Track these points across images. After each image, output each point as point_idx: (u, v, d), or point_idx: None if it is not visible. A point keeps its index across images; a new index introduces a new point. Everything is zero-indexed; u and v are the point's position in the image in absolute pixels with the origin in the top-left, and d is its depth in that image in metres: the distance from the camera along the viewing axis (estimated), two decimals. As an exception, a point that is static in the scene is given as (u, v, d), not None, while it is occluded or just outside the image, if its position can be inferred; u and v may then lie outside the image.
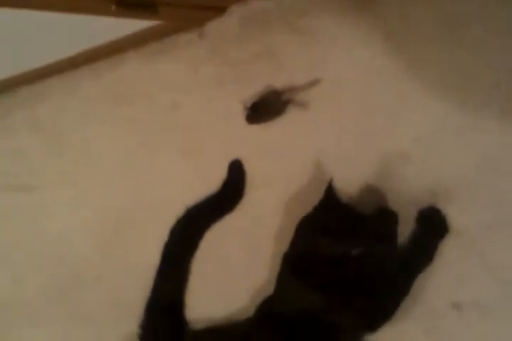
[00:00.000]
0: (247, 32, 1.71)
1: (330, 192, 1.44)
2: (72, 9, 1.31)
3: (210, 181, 1.66)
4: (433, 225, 1.44)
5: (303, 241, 1.44)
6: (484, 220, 1.40)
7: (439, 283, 1.42)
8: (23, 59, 1.78)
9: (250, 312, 1.50)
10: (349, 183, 1.53)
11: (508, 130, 1.39)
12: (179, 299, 1.62)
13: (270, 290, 1.48)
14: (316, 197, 1.44)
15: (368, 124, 1.55)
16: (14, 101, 2.08)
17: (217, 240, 1.63)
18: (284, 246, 1.47)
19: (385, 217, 1.41)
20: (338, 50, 1.59)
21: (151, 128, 1.83)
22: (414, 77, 1.49)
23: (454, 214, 1.42)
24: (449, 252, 1.42)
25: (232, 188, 1.66)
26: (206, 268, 1.63)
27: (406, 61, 1.51)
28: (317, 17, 1.61)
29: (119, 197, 1.86)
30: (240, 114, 1.67)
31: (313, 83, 1.60)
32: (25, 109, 2.07)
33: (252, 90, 1.67)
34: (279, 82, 1.65)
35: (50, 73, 1.97)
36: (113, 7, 1.27)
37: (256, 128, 1.66)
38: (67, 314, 1.88)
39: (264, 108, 1.66)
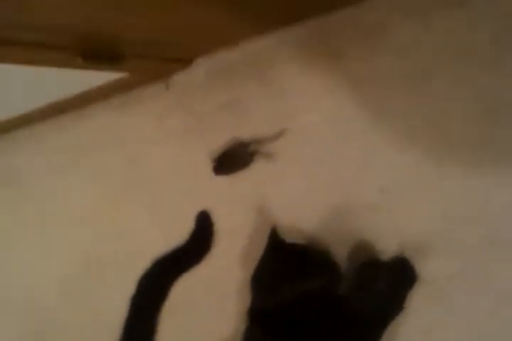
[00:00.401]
0: (214, 83, 1.72)
1: (273, 237, 1.45)
2: (38, 62, 1.31)
3: (177, 233, 1.63)
4: (402, 274, 1.44)
5: (261, 294, 1.43)
6: (451, 269, 1.40)
7: (408, 331, 1.42)
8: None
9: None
10: (317, 232, 1.53)
11: (472, 178, 1.41)
12: None
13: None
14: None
15: (334, 175, 1.55)
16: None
17: (184, 291, 1.61)
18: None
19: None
20: (304, 101, 1.60)
21: (117, 179, 1.82)
22: (381, 128, 1.51)
23: (421, 264, 1.42)
24: (417, 301, 1.41)
25: (200, 239, 1.64)
26: (174, 320, 1.60)
27: (372, 112, 1.52)
28: (283, 68, 1.63)
29: (85, 250, 1.84)
30: (206, 165, 1.67)
31: (279, 134, 1.60)
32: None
33: (218, 141, 1.67)
34: (245, 133, 1.65)
35: (16, 125, 1.96)
36: (79, 60, 1.27)
37: (223, 180, 1.66)
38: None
39: (231, 159, 1.66)
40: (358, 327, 1.36)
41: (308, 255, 1.42)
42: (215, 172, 1.68)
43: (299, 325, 1.33)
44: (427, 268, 1.41)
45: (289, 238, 1.47)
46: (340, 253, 1.47)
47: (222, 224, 1.63)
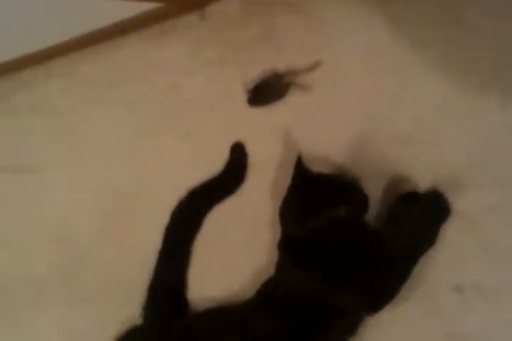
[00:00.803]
0: (249, 14, 1.71)
1: (299, 167, 1.46)
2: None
3: (212, 164, 1.66)
4: (435, 207, 1.44)
5: (290, 225, 1.45)
6: (486, 202, 1.40)
7: (440, 266, 1.42)
8: (25, 41, 1.78)
9: (251, 293, 1.51)
10: (353, 165, 1.53)
11: (509, 111, 1.40)
12: (181, 280, 1.63)
13: (271, 272, 1.48)
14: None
15: (369, 107, 1.55)
16: (16, 83, 2.08)
17: (218, 222, 1.64)
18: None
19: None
20: (339, 33, 1.59)
21: (152, 110, 1.83)
22: (416, 60, 1.50)
23: (455, 197, 1.42)
24: (450, 235, 1.42)
25: (234, 171, 1.66)
26: (207, 251, 1.63)
27: (407, 43, 1.51)
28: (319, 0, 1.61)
29: (120, 180, 1.86)
30: (241, 96, 1.67)
31: (315, 66, 1.60)
32: (26, 90, 2.06)
33: (253, 72, 1.67)
34: (280, 64, 1.64)
35: (52, 55, 1.97)
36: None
37: (258, 111, 1.67)
38: (70, 295, 1.88)
39: (266, 90, 1.66)
40: (387, 260, 1.38)
41: (334, 184, 1.43)
42: (249, 103, 1.68)
43: (328, 254, 1.36)
44: (461, 201, 1.42)
45: (320, 169, 1.49)
46: (374, 186, 1.47)
47: (256, 156, 1.65)
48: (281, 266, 1.47)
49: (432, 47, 1.48)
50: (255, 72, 1.67)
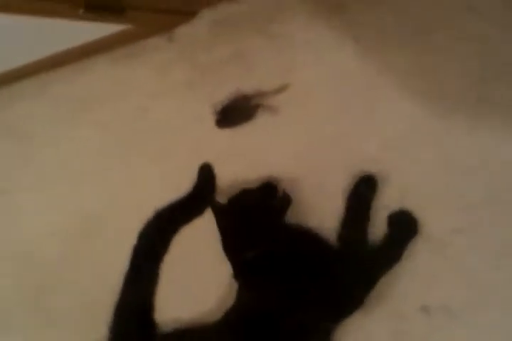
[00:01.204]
0: (217, 36, 1.71)
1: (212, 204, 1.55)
2: (40, 12, 1.30)
3: (180, 185, 1.65)
4: (403, 226, 1.46)
5: (231, 259, 1.50)
6: (453, 224, 1.42)
7: (408, 287, 1.43)
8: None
9: (219, 314, 1.50)
10: (320, 186, 1.55)
11: (475, 134, 1.41)
12: (148, 302, 1.61)
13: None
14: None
15: (337, 128, 1.56)
16: (-17, 104, 2.07)
17: (186, 244, 1.62)
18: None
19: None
20: (308, 55, 1.60)
21: (121, 132, 1.82)
22: (384, 82, 1.51)
23: (424, 218, 1.43)
24: (418, 256, 1.43)
25: (202, 191, 1.65)
26: (175, 271, 1.62)
27: (375, 66, 1.52)
28: (287, 22, 1.62)
29: (88, 201, 1.85)
30: (209, 118, 1.67)
31: (283, 88, 1.61)
32: (-6, 111, 2.06)
33: (221, 94, 1.67)
34: (249, 86, 1.65)
35: (20, 77, 1.96)
36: (81, 11, 1.26)
37: (226, 133, 1.67)
38: (36, 318, 1.86)
39: (234, 112, 1.66)
40: (346, 279, 1.39)
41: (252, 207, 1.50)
42: (217, 125, 1.68)
43: (279, 273, 1.40)
44: (428, 223, 1.43)
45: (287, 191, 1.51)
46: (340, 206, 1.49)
47: (224, 177, 1.64)
48: (240, 291, 1.48)
49: (399, 69, 1.49)
50: (224, 93, 1.67)
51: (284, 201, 1.51)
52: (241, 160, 1.64)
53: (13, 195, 2.00)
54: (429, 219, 1.43)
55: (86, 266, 1.81)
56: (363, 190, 1.50)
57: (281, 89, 1.61)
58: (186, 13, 1.72)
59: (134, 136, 1.80)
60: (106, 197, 1.83)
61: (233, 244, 1.49)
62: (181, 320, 1.58)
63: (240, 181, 1.59)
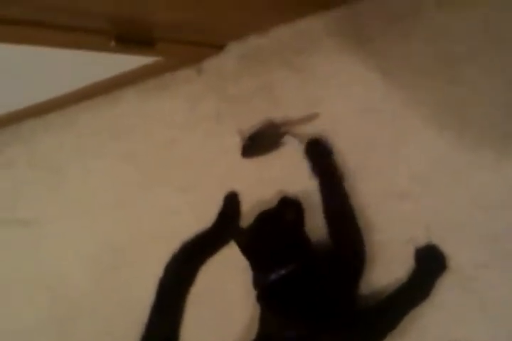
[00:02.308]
0: (245, 68, 1.73)
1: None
2: (71, 45, 1.32)
3: (207, 216, 1.66)
4: (430, 262, 1.45)
5: (255, 282, 1.49)
6: (479, 258, 1.40)
7: (435, 322, 1.41)
8: (24, 94, 1.79)
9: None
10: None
11: (502, 169, 1.40)
12: (174, 334, 1.61)
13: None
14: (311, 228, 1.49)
15: (364, 161, 1.55)
16: (14, 136, 2.09)
17: (212, 273, 1.62)
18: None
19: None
20: (334, 87, 1.60)
21: (149, 163, 1.84)
22: (411, 115, 1.50)
23: (449, 253, 1.42)
24: (444, 291, 1.41)
25: (227, 220, 1.66)
26: (202, 302, 1.62)
27: (403, 98, 1.52)
28: (314, 54, 1.63)
29: (115, 232, 1.86)
30: (236, 149, 1.68)
31: (311, 117, 1.61)
32: (24, 143, 2.08)
33: (249, 126, 1.68)
34: (276, 117, 1.66)
35: (51, 108, 1.98)
36: (112, 43, 1.28)
37: (253, 165, 1.67)
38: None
39: (261, 140, 1.67)
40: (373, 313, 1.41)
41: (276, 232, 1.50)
42: (244, 152, 1.68)
43: (302, 298, 1.39)
44: (454, 258, 1.41)
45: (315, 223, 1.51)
46: (367, 240, 1.48)
47: (251, 207, 1.64)
48: (263, 317, 1.47)
49: (426, 102, 1.49)
50: (250, 125, 1.68)
51: (300, 212, 1.53)
52: (268, 190, 1.63)
53: (39, 226, 2.02)
54: (454, 253, 1.42)
55: (112, 297, 1.81)
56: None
57: (308, 118, 1.61)
58: (215, 46, 1.73)
59: (162, 167, 1.81)
60: (133, 228, 1.84)
61: (259, 266, 1.48)
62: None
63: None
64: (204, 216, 1.66)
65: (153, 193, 1.82)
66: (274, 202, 1.56)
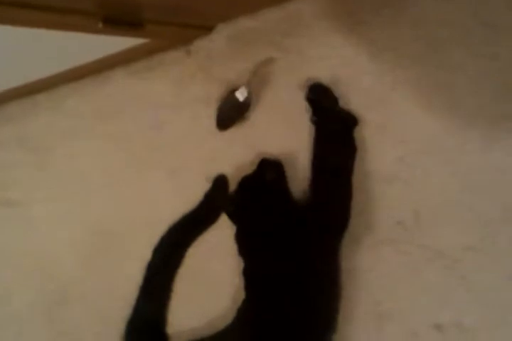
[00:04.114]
0: (234, 50, 1.72)
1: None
2: (59, 26, 1.31)
3: (194, 199, 1.66)
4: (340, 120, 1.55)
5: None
6: (466, 241, 1.41)
7: (421, 304, 1.43)
8: (11, 75, 1.78)
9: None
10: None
11: (491, 152, 1.41)
12: (161, 315, 1.62)
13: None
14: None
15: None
16: (2, 116, 2.08)
17: (199, 255, 1.63)
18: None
19: None
20: (323, 70, 1.60)
21: (137, 145, 1.83)
22: (400, 97, 1.51)
23: (437, 235, 1.43)
24: (430, 273, 1.43)
25: (213, 201, 1.66)
26: (188, 284, 1.62)
27: (391, 81, 1.52)
28: (303, 37, 1.63)
29: (103, 214, 1.85)
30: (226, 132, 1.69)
31: (266, 62, 1.65)
32: (13, 124, 2.06)
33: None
34: (266, 99, 1.67)
35: (38, 89, 1.97)
36: (100, 24, 1.27)
37: (243, 147, 1.67)
38: (52, 330, 1.87)
39: (230, 108, 1.69)
40: None
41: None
42: (218, 126, 1.72)
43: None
44: (441, 240, 1.42)
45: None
46: (354, 222, 1.49)
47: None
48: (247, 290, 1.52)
49: (414, 85, 1.49)
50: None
51: (280, 171, 1.57)
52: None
53: (26, 207, 2.01)
54: (442, 236, 1.43)
55: (99, 279, 1.81)
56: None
57: (265, 63, 1.65)
58: (204, 28, 1.73)
59: (150, 149, 1.81)
60: (121, 211, 1.83)
61: (247, 230, 1.53)
62: (194, 332, 1.58)
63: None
64: (193, 198, 1.66)
65: (142, 175, 1.81)
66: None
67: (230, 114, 1.69)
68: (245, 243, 1.53)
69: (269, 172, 1.56)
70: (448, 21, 1.46)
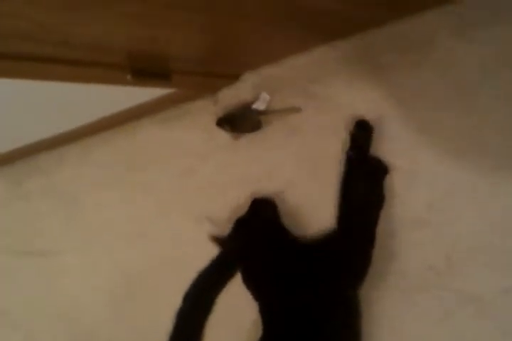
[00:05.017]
0: (260, 98, 1.73)
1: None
2: (89, 80, 1.33)
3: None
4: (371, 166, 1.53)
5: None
6: (501, 284, 1.38)
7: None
8: (42, 127, 1.81)
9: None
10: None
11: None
12: None
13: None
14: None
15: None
16: (32, 167, 2.11)
17: (230, 300, 1.62)
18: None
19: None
20: (349, 116, 1.60)
21: (165, 193, 1.84)
22: (426, 142, 1.50)
23: (470, 279, 1.41)
24: (464, 317, 1.40)
25: (238, 245, 1.66)
26: (219, 330, 1.61)
27: (417, 126, 1.52)
28: (328, 83, 1.63)
29: (131, 262, 1.86)
30: (253, 179, 1.70)
31: (293, 110, 1.66)
32: (42, 174, 2.09)
33: (266, 156, 1.69)
34: (294, 146, 1.66)
35: (68, 140, 2.00)
36: (128, 77, 1.29)
37: (269, 193, 1.66)
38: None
39: (237, 117, 1.74)
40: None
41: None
42: (217, 123, 1.74)
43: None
44: (474, 284, 1.40)
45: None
46: (382, 267, 1.48)
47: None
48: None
49: (442, 129, 1.48)
50: (268, 154, 1.69)
51: (273, 208, 1.58)
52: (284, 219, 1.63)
53: (57, 257, 2.02)
54: (475, 280, 1.41)
55: (129, 326, 1.81)
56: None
57: (291, 110, 1.65)
58: (230, 76, 1.74)
59: (178, 197, 1.82)
60: (149, 258, 1.84)
61: (252, 271, 1.54)
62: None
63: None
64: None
65: (169, 222, 1.82)
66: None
67: (234, 121, 1.74)
68: (253, 283, 1.54)
69: (262, 211, 1.57)
70: (473, 63, 1.45)
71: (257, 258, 1.54)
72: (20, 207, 2.14)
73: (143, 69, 1.32)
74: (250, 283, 1.53)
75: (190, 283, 1.64)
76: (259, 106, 1.68)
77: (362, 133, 1.54)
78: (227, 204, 1.73)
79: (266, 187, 1.69)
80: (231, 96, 1.78)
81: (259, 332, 1.54)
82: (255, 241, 1.54)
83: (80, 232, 2.00)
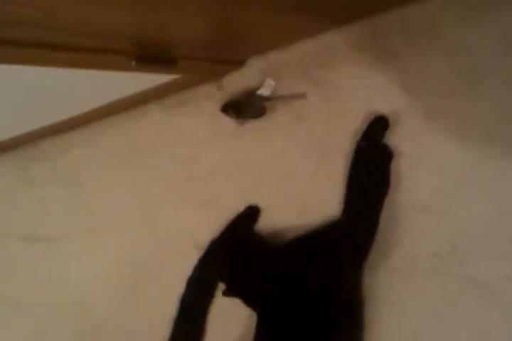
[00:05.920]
0: (266, 84, 1.72)
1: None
2: (93, 66, 1.33)
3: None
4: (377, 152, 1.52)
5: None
6: (506, 271, 1.38)
7: (458, 335, 1.40)
8: (47, 113, 1.80)
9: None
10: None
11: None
12: None
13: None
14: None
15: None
16: (37, 153, 2.11)
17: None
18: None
19: None
20: (356, 102, 1.59)
21: (170, 178, 1.85)
22: (434, 128, 1.49)
23: (474, 266, 1.40)
24: (468, 304, 1.40)
25: (240, 230, 1.67)
26: (224, 318, 1.61)
27: (425, 112, 1.51)
28: (335, 69, 1.62)
29: (138, 247, 1.87)
30: (257, 165, 1.70)
31: (299, 96, 1.66)
32: (47, 160, 2.09)
33: (272, 141, 1.68)
34: (301, 131, 1.65)
35: (73, 126, 2.00)
36: (133, 63, 1.28)
37: (274, 181, 1.67)
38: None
39: (242, 103, 1.74)
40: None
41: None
42: (221, 109, 1.74)
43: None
44: (481, 271, 1.40)
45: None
46: (387, 253, 1.49)
47: (272, 223, 1.66)
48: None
49: (449, 115, 1.48)
50: (274, 140, 1.68)
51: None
52: (289, 206, 1.64)
53: (61, 243, 2.03)
54: (479, 267, 1.40)
55: (134, 312, 1.82)
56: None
57: (297, 96, 1.65)
58: (235, 62, 1.73)
59: (183, 182, 1.82)
60: (155, 243, 1.84)
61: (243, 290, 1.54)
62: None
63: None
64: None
65: (174, 208, 1.83)
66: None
67: (239, 107, 1.73)
68: (246, 297, 1.54)
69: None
70: (480, 49, 1.44)
71: (241, 274, 1.55)
72: (25, 193, 2.14)
73: (147, 55, 1.31)
74: (243, 297, 1.53)
75: (193, 268, 1.65)
76: (264, 92, 1.67)
77: (379, 128, 1.52)
78: (232, 190, 1.74)
79: (270, 174, 1.69)
80: (236, 82, 1.77)
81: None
82: (235, 259, 1.56)
83: (86, 217, 2.00)
